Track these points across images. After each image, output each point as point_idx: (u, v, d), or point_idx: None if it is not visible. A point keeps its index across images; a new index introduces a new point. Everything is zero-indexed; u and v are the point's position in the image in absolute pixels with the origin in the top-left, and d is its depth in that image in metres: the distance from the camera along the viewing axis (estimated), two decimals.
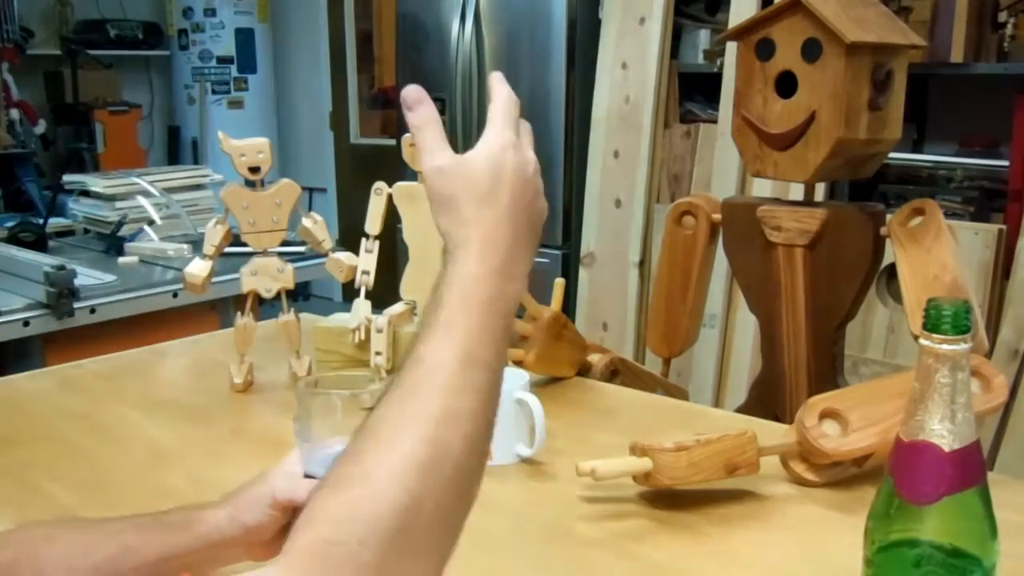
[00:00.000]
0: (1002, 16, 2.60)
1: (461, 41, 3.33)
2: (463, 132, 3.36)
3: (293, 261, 1.41)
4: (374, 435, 0.55)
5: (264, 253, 1.32)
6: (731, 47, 2.52)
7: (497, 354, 0.60)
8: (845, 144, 1.28)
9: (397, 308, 1.33)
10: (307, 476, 0.72)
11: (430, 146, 0.67)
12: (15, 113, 4.45)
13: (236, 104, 5.19)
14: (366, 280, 1.31)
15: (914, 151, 2.84)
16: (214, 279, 1.33)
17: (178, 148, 5.38)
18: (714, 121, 2.93)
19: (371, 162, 5.14)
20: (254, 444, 1.18)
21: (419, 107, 0.67)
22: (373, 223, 1.31)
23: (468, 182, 0.65)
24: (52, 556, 0.69)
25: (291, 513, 0.72)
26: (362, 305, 1.31)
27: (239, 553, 0.73)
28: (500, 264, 0.63)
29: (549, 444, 1.08)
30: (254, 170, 1.27)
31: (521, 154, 0.67)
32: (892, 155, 1.66)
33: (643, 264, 3.00)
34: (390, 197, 1.31)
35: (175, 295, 2.16)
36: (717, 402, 2.80)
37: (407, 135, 1.29)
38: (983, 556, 0.62)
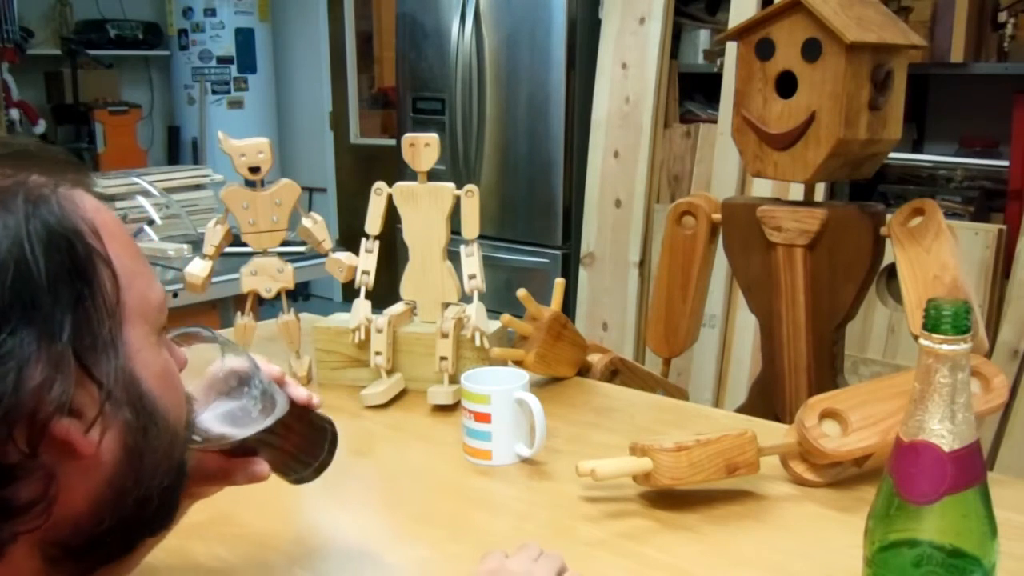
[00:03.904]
0: (1002, 16, 2.60)
1: (461, 41, 3.33)
2: (463, 133, 3.36)
3: (293, 261, 1.41)
4: None
5: (264, 253, 1.32)
6: (731, 47, 2.52)
7: None
8: (845, 144, 1.28)
9: (397, 308, 1.33)
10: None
11: None
12: (15, 113, 4.45)
13: (236, 104, 5.19)
14: (366, 280, 1.31)
15: (914, 151, 2.84)
16: (214, 279, 1.33)
17: (178, 148, 5.38)
18: (714, 121, 2.93)
19: (371, 162, 5.15)
20: None
21: None
22: (373, 223, 1.31)
23: None
24: None
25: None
26: (362, 305, 1.31)
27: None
28: None
29: (549, 444, 1.08)
30: (254, 170, 1.27)
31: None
32: (892, 155, 1.66)
33: (643, 264, 3.00)
34: (390, 197, 1.31)
35: (175, 295, 2.16)
36: (717, 402, 2.80)
37: (407, 135, 1.30)
38: (983, 556, 0.62)
